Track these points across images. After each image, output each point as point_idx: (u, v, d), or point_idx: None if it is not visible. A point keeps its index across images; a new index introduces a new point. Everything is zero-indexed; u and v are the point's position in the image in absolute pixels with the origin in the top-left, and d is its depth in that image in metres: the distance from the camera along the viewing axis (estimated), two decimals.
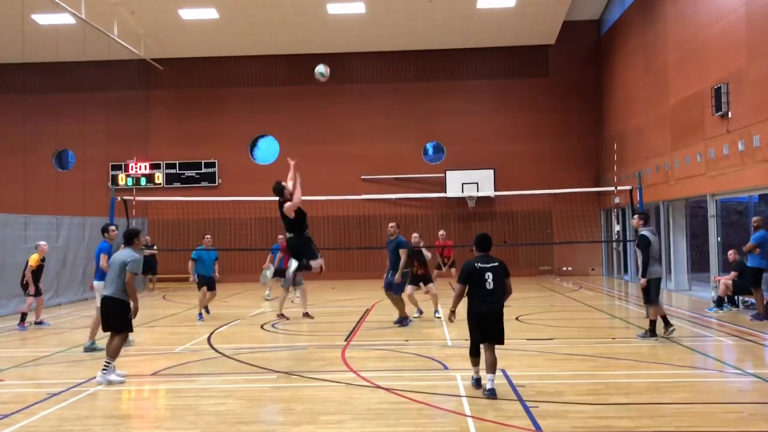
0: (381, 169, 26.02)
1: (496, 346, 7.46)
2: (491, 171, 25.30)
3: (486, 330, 7.41)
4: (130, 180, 26.81)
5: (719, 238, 16.60)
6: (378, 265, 22.77)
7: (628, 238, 21.21)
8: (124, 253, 8.68)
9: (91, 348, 10.69)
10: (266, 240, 21.81)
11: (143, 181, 26.81)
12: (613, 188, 21.00)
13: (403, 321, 12.97)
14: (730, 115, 15.34)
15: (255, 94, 26.92)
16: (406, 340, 11.28)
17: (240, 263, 25.32)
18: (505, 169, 25.52)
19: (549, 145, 26.09)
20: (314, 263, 10.31)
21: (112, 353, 8.49)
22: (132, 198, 18.99)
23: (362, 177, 25.86)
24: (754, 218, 13.97)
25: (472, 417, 6.61)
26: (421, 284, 13.87)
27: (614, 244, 24.52)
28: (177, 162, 26.83)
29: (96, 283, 10.78)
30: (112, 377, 8.38)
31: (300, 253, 10.28)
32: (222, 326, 13.49)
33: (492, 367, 7.36)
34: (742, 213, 20.56)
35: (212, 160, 26.79)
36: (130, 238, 8.92)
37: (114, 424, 6.73)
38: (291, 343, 11.57)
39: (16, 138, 27.11)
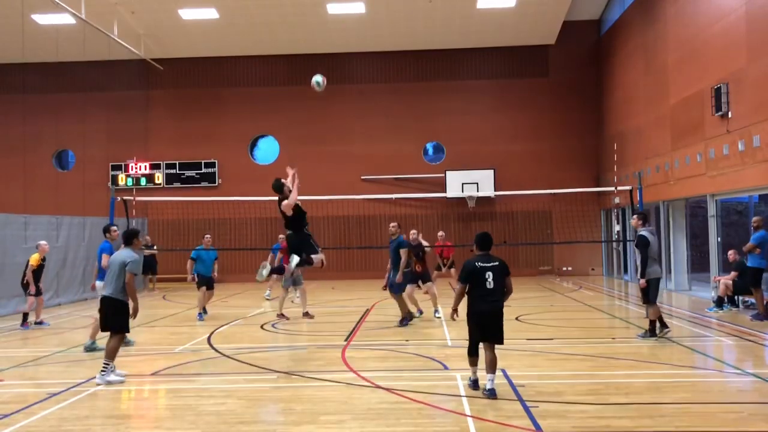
0: (381, 169, 26.02)
1: (496, 346, 7.47)
2: (491, 171, 25.30)
3: (486, 329, 7.41)
4: (130, 180, 26.81)
5: (719, 238, 16.60)
6: (378, 265, 22.79)
7: (628, 238, 21.21)
8: (123, 254, 8.68)
9: (91, 347, 10.69)
10: (266, 240, 21.82)
11: (143, 181, 26.81)
12: (613, 188, 21.01)
13: (403, 321, 12.96)
14: (730, 115, 15.34)
15: (255, 94, 26.92)
16: (406, 340, 11.28)
17: (240, 263, 25.31)
18: (505, 169, 25.52)
19: (549, 145, 26.09)
20: (315, 257, 10.35)
21: (110, 354, 8.48)
22: (132, 198, 19.02)
23: (362, 177, 25.86)
24: (754, 218, 13.97)
25: (472, 417, 6.61)
26: (420, 283, 13.85)
27: (614, 244, 24.52)
28: (177, 162, 26.83)
29: (98, 284, 10.78)
30: (112, 378, 8.37)
31: (300, 248, 10.34)
32: (222, 326, 13.49)
33: (492, 367, 7.36)
34: (742, 213, 20.56)
35: (212, 160, 26.79)
36: (130, 238, 8.92)
37: (114, 424, 6.73)
38: (291, 343, 11.57)
39: (16, 138, 27.12)
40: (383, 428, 6.37)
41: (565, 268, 26.00)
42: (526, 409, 6.81)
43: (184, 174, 26.86)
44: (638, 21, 21.68)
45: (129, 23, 23.23)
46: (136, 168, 26.85)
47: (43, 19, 23.22)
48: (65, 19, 22.40)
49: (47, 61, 25.84)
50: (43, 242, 14.39)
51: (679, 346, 10.29)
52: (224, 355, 10.29)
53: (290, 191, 10.14)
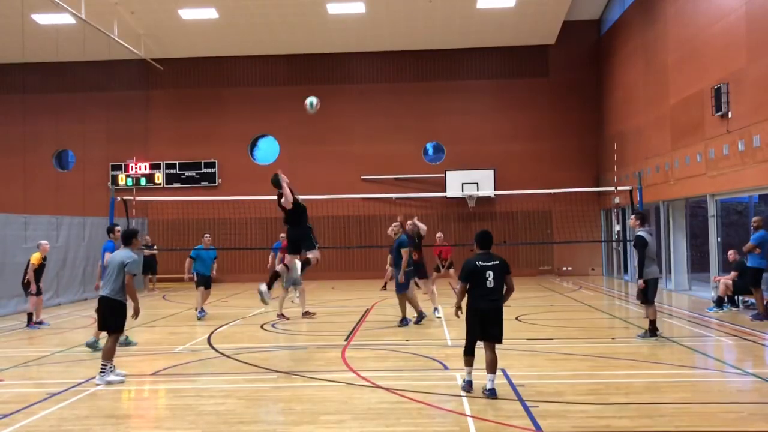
0: (381, 169, 26.02)
1: (496, 346, 7.46)
2: (491, 171, 25.30)
3: (486, 327, 7.40)
4: (130, 180, 26.80)
5: (719, 238, 16.59)
6: (378, 265, 22.82)
7: (627, 238, 21.21)
8: (122, 254, 8.66)
9: (94, 345, 10.68)
10: (266, 240, 21.83)
11: (143, 181, 26.80)
12: (613, 188, 21.02)
13: (403, 321, 12.95)
14: (730, 115, 15.34)
15: (255, 94, 26.91)
16: (407, 340, 11.29)
17: (240, 263, 25.36)
18: (505, 169, 25.53)
19: (549, 145, 26.09)
20: (311, 255, 10.34)
21: (107, 355, 8.47)
22: (132, 198, 19.02)
23: (362, 177, 25.86)
24: (754, 218, 13.97)
25: (472, 417, 6.61)
26: (417, 280, 13.80)
27: (614, 244, 24.52)
28: (177, 162, 26.83)
29: (102, 283, 10.77)
30: (111, 377, 8.37)
31: (299, 241, 10.36)
32: (222, 326, 13.49)
33: (492, 367, 7.35)
34: (742, 213, 20.56)
35: (212, 160, 26.79)
36: (129, 238, 8.91)
37: (114, 424, 6.73)
38: (291, 343, 11.57)
39: (16, 138, 27.12)
40: (383, 428, 6.37)
41: (565, 268, 26.00)
42: (526, 409, 6.81)
43: (184, 174, 26.86)
44: (638, 21, 21.68)
45: (129, 23, 23.23)
46: (136, 168, 26.85)
47: (43, 19, 23.22)
48: (65, 19, 22.41)
49: (47, 61, 25.85)
50: (44, 242, 14.40)
51: (679, 346, 10.29)
52: (224, 355, 10.29)
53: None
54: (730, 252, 14.68)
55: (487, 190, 24.58)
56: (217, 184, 26.66)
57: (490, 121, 26.35)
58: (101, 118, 26.78)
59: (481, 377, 7.60)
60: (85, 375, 8.82)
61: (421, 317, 13.02)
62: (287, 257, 11.16)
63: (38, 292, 13.97)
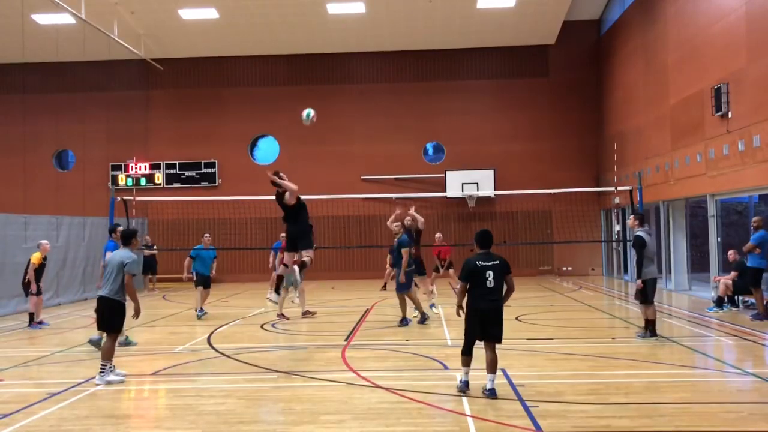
0: (381, 169, 26.02)
1: (496, 346, 7.46)
2: (491, 171, 25.30)
3: (486, 327, 7.39)
4: (130, 180, 26.80)
5: (719, 238, 16.59)
6: (378, 265, 22.81)
7: (627, 238, 21.19)
8: (121, 254, 8.65)
9: (98, 343, 10.67)
10: (266, 240, 21.82)
11: (143, 181, 26.80)
12: (613, 188, 21.01)
13: (403, 321, 12.95)
14: (730, 115, 15.34)
15: (255, 94, 26.91)
16: (407, 340, 11.29)
17: (240, 263, 25.37)
18: (505, 169, 25.52)
19: (549, 145, 26.09)
20: (306, 255, 10.34)
21: (106, 355, 8.46)
22: (132, 198, 19.02)
23: (362, 177, 25.86)
24: (754, 218, 13.98)
25: (472, 417, 6.61)
26: (415, 278, 13.79)
27: (614, 244, 24.51)
28: (177, 162, 26.82)
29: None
30: (111, 377, 8.37)
31: (298, 238, 10.35)
32: (222, 326, 13.49)
33: (492, 367, 7.35)
34: (742, 213, 20.55)
35: (212, 160, 26.79)
36: (128, 238, 8.90)
37: (114, 424, 6.73)
38: (291, 343, 11.57)
39: (16, 138, 27.12)
40: (383, 428, 6.37)
41: (565, 268, 26.00)
42: (526, 409, 6.81)
43: (184, 174, 26.85)
44: (638, 21, 21.68)
45: (129, 23, 23.23)
46: (136, 168, 26.85)
47: (43, 19, 23.22)
48: (65, 19, 22.40)
49: (47, 61, 25.84)
50: (44, 241, 14.41)
51: (679, 346, 10.29)
52: (224, 355, 10.29)
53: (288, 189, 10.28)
54: (730, 252, 14.68)
55: (487, 190, 24.58)
56: (217, 184, 26.66)
57: (490, 121, 26.35)
58: (101, 118, 26.79)
59: (480, 377, 7.60)
60: (85, 375, 8.82)
61: (424, 318, 13.02)
62: (286, 256, 11.16)
63: (38, 292, 13.97)
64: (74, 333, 13.13)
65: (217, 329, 13.03)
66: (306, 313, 14.74)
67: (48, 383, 8.65)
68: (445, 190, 25.05)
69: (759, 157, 14.18)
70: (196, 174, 26.83)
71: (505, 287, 7.57)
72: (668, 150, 18.95)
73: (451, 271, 17.36)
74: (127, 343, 11.11)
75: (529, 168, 25.69)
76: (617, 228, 24.00)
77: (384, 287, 20.29)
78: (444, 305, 15.60)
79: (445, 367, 9.04)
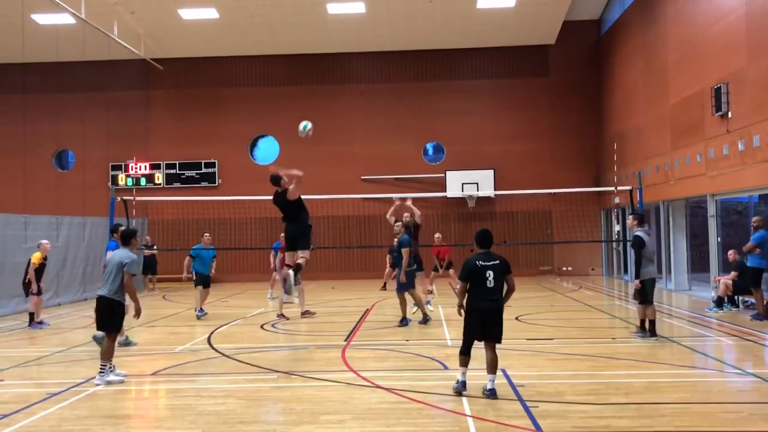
0: (381, 169, 26.01)
1: (496, 346, 7.45)
2: (491, 171, 25.30)
3: (486, 327, 7.39)
4: (130, 180, 26.80)
5: (719, 238, 16.60)
6: (378, 265, 22.81)
7: (627, 239, 21.17)
8: (120, 254, 8.65)
9: (101, 340, 10.65)
10: (266, 240, 21.82)
11: (143, 181, 26.80)
12: (613, 188, 21.01)
13: (403, 321, 12.95)
14: (730, 115, 15.34)
15: (255, 94, 26.91)
16: (407, 340, 11.29)
17: (240, 263, 25.38)
18: (505, 169, 25.52)
19: (549, 145, 26.09)
20: (303, 254, 10.34)
21: (105, 355, 8.46)
22: (132, 198, 19.01)
23: (362, 177, 25.85)
24: (754, 218, 13.98)
25: (472, 417, 6.61)
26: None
27: (614, 244, 24.51)
28: (177, 162, 26.82)
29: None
30: (111, 377, 8.37)
31: (297, 238, 10.36)
32: (222, 326, 13.49)
33: (492, 367, 7.35)
34: (742, 213, 20.56)
35: (212, 160, 26.79)
36: (127, 238, 8.90)
37: (114, 424, 6.73)
38: (291, 343, 11.57)
39: (16, 138, 27.13)
40: (383, 428, 6.37)
41: (565, 268, 26.00)
42: (526, 409, 6.81)
43: (184, 174, 26.85)
44: (638, 21, 21.69)
45: (129, 23, 23.23)
46: (136, 168, 26.85)
47: (43, 19, 23.22)
48: (65, 19, 22.40)
49: (47, 61, 25.85)
50: (44, 241, 14.40)
51: (679, 346, 10.29)
52: (224, 355, 10.29)
53: (288, 183, 10.33)
54: (730, 252, 14.68)
55: (487, 190, 24.58)
56: (217, 184, 26.66)
57: (490, 121, 26.35)
58: (101, 118, 26.80)
59: (478, 377, 7.61)
60: (85, 375, 8.82)
61: (426, 319, 13.01)
62: (287, 256, 11.17)
63: (39, 292, 13.97)
64: (74, 333, 13.13)
65: (217, 329, 13.03)
66: (305, 313, 14.74)
67: (48, 383, 8.65)
68: (445, 190, 25.05)
69: (759, 157, 14.18)
70: (196, 174, 26.83)
71: (505, 287, 7.56)
72: (668, 150, 18.95)
73: (451, 271, 17.35)
74: (127, 343, 11.11)
75: (529, 168, 25.69)
76: (617, 228, 23.99)
77: (384, 287, 20.29)
78: (444, 305, 15.61)
79: (445, 367, 9.04)
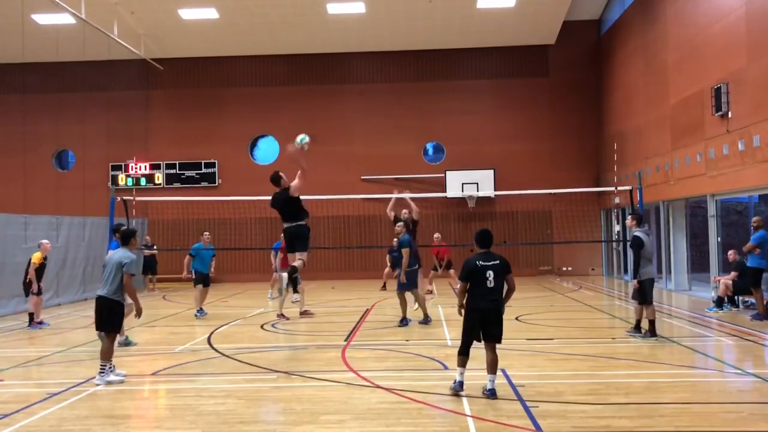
0: (381, 169, 26.00)
1: (496, 346, 7.45)
2: (491, 171, 25.30)
3: (486, 327, 7.39)
4: (130, 180, 26.80)
5: (719, 238, 16.60)
6: (378, 265, 22.80)
7: (627, 239, 21.15)
8: (120, 254, 8.64)
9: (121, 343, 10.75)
10: (266, 240, 21.82)
11: (143, 181, 26.80)
12: (613, 188, 21.00)
13: (403, 321, 12.95)
14: (730, 115, 15.34)
15: (255, 94, 26.91)
16: (407, 340, 11.29)
17: (240, 263, 25.37)
18: (505, 169, 25.52)
19: (549, 145, 26.09)
20: (299, 261, 10.34)
21: (105, 356, 8.45)
22: (132, 198, 19.00)
23: (362, 177, 25.85)
24: (754, 218, 13.98)
25: (472, 417, 6.61)
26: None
27: (614, 244, 24.51)
28: (177, 162, 26.82)
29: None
30: (111, 377, 8.37)
31: (296, 239, 10.39)
32: (222, 326, 13.49)
33: (492, 367, 7.34)
34: (742, 213, 20.56)
35: (212, 160, 26.78)
36: (127, 238, 8.89)
37: (114, 424, 6.73)
38: (291, 343, 11.57)
39: (16, 138, 27.12)
40: (383, 428, 6.37)
41: (565, 268, 25.99)
42: (526, 409, 6.81)
43: (184, 174, 26.85)
44: (638, 21, 21.69)
45: (129, 23, 23.23)
46: (136, 168, 26.85)
47: (43, 19, 23.22)
48: (65, 19, 22.40)
49: (47, 61, 25.85)
50: (45, 241, 14.40)
51: (679, 346, 10.29)
52: (224, 355, 10.29)
53: (287, 184, 10.45)
54: (730, 252, 14.68)
55: (487, 190, 24.57)
56: (217, 184, 26.66)
57: (490, 121, 26.34)
58: (101, 118, 26.79)
59: (478, 377, 7.61)
60: (85, 375, 8.82)
61: (427, 320, 13.00)
62: (289, 257, 11.18)
63: (39, 292, 13.97)
64: (74, 333, 13.13)
65: (217, 329, 13.03)
66: (304, 313, 14.75)
67: (48, 383, 8.65)
68: (445, 191, 25.04)
69: (759, 157, 14.18)
70: (196, 174, 26.83)
71: (505, 287, 7.56)
72: (668, 150, 18.95)
73: (451, 271, 17.36)
74: (127, 343, 11.11)
75: (529, 168, 25.68)
76: (617, 228, 23.99)
77: (383, 287, 20.30)
78: (444, 305, 15.62)
79: (445, 368, 9.03)
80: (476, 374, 7.77)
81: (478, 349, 7.58)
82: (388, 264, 19.80)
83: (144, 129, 26.99)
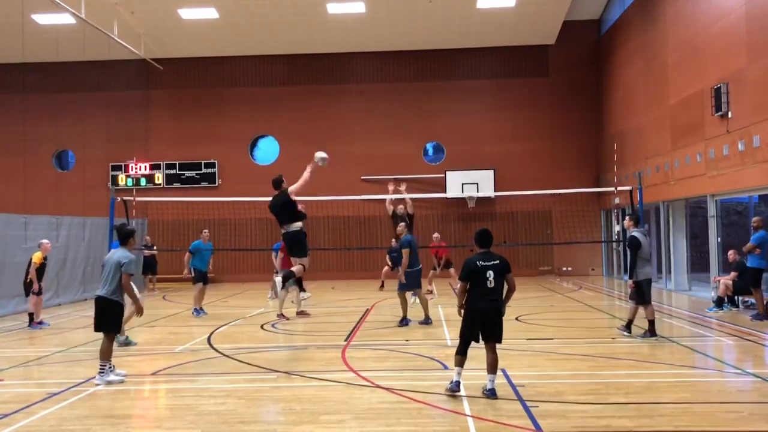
0: (381, 169, 25.98)
1: (496, 346, 7.44)
2: (491, 171, 25.30)
3: (486, 327, 7.38)
4: (130, 180, 26.80)
5: (719, 238, 16.60)
6: (378, 265, 22.79)
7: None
8: (119, 254, 8.63)
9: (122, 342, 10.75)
10: (266, 240, 21.83)
11: (143, 181, 26.80)
12: (613, 188, 21.01)
13: (403, 321, 12.94)
14: (730, 115, 15.34)
15: (255, 94, 26.91)
16: (407, 340, 11.28)
17: (240, 263, 25.37)
18: (505, 169, 25.52)
19: (549, 145, 26.09)
20: (297, 266, 10.36)
21: (104, 356, 8.44)
22: (132, 198, 19.01)
23: (362, 177, 25.85)
24: (754, 218, 13.98)
25: (471, 417, 6.61)
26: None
27: (614, 245, 24.51)
28: (177, 162, 26.83)
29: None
30: (111, 377, 8.37)
31: (294, 244, 10.42)
32: (222, 326, 13.49)
33: (493, 367, 7.34)
34: (742, 213, 20.56)
35: (212, 161, 26.79)
36: (125, 238, 8.88)
37: (114, 424, 6.73)
38: (291, 343, 11.57)
39: (16, 138, 27.13)
40: (383, 428, 6.37)
41: (565, 269, 25.99)
42: (526, 409, 6.81)
43: (184, 174, 26.86)
44: (638, 21, 21.69)
45: (129, 23, 23.23)
46: (136, 168, 26.85)
47: (43, 19, 23.22)
48: (65, 19, 22.41)
49: (47, 61, 25.86)
50: (45, 241, 14.40)
51: (679, 346, 10.29)
52: (224, 355, 10.29)
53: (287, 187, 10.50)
54: (730, 252, 14.68)
55: (487, 190, 24.57)
56: (217, 184, 26.66)
57: (490, 121, 26.35)
58: (101, 118, 26.81)
59: (478, 377, 7.60)
60: (85, 375, 8.82)
61: (428, 321, 12.99)
62: (291, 260, 11.20)
63: (39, 292, 13.97)
64: (74, 333, 13.12)
65: (217, 329, 13.03)
66: (300, 313, 14.77)
67: (48, 383, 8.65)
68: (445, 191, 25.04)
69: (759, 157, 14.18)
70: (196, 174, 26.83)
71: (505, 287, 7.56)
72: (668, 150, 18.95)
73: (451, 270, 17.36)
74: (127, 343, 11.11)
75: (529, 168, 25.68)
76: (617, 228, 23.99)
77: (381, 286, 20.32)
78: (444, 305, 15.62)
79: (445, 367, 9.03)
80: (476, 374, 7.77)
81: (478, 349, 7.58)
82: (388, 264, 19.80)
83: (144, 129, 26.99)
